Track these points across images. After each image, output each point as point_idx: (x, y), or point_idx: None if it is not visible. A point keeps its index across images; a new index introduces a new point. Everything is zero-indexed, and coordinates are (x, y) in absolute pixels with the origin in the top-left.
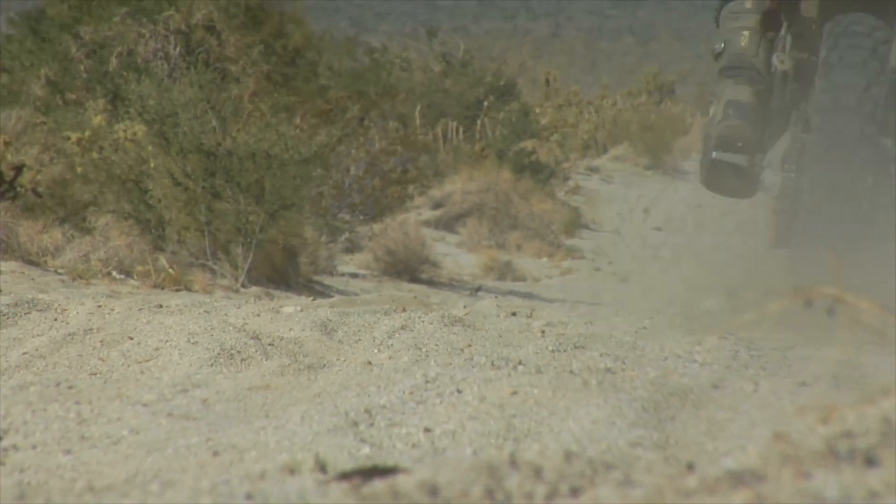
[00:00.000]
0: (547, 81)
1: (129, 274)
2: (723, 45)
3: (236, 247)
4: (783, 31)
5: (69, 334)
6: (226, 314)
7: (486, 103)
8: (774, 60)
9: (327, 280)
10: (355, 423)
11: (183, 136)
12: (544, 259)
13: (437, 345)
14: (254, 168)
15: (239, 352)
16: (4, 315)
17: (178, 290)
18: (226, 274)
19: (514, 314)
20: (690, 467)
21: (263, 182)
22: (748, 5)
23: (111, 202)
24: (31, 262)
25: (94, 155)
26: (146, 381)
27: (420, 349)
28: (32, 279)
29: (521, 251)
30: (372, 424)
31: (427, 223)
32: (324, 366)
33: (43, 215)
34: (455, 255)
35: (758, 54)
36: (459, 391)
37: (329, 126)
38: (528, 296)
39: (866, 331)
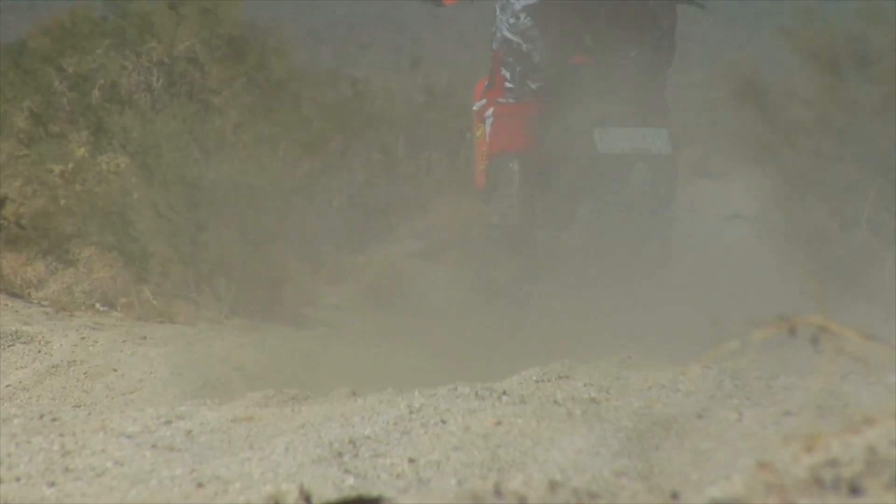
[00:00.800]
0: None
1: (112, 306)
2: None
3: (220, 279)
4: None
5: (53, 366)
6: (209, 346)
7: (468, 134)
8: None
9: (311, 312)
10: (339, 454)
11: (166, 167)
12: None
13: (421, 375)
14: (237, 200)
15: (223, 383)
16: None
17: (161, 323)
18: (209, 306)
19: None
20: (675, 496)
21: (247, 214)
22: None
23: (94, 234)
24: (14, 295)
25: (78, 187)
26: (130, 412)
27: (404, 380)
28: (16, 311)
29: None
30: (356, 455)
31: (411, 255)
32: (308, 397)
33: (26, 248)
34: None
35: None
36: (444, 421)
37: (312, 158)
38: None
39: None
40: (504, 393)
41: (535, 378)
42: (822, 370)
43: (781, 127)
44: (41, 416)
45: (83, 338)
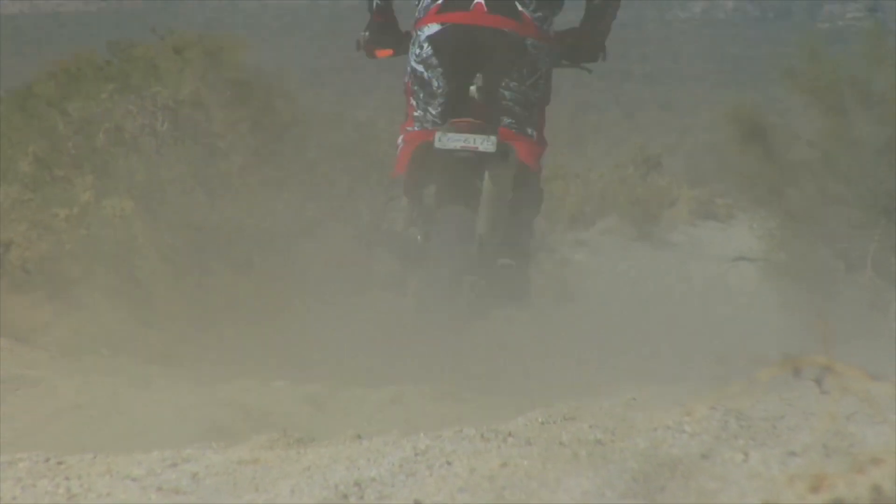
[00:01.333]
0: None
1: (118, 349)
2: None
3: (225, 322)
4: None
5: (58, 410)
6: (215, 389)
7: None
8: None
9: (318, 353)
10: (345, 496)
11: (171, 211)
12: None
13: (426, 418)
14: (243, 243)
15: (228, 426)
16: None
17: (167, 366)
18: (215, 349)
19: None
20: None
21: (252, 257)
22: None
23: (100, 278)
24: (19, 339)
25: (83, 231)
26: (136, 456)
27: (410, 423)
28: (21, 355)
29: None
30: (362, 497)
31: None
32: (313, 440)
33: (32, 292)
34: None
35: None
36: (449, 463)
37: (317, 200)
38: None
39: (856, 399)
40: (510, 434)
41: (540, 419)
42: (827, 410)
43: (786, 168)
44: (47, 460)
45: (88, 381)
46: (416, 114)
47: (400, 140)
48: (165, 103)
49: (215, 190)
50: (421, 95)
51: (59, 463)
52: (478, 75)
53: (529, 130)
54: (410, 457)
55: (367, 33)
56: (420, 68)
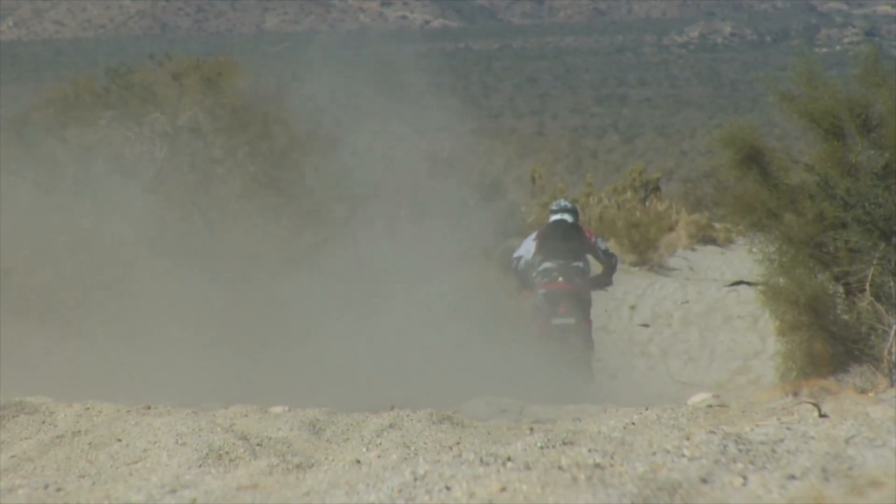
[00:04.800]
0: (533, 179)
1: (117, 375)
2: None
3: (224, 347)
4: None
5: (57, 437)
6: (213, 415)
7: (472, 202)
8: None
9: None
10: None
11: (170, 238)
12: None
13: (425, 443)
14: (241, 269)
15: (227, 452)
16: None
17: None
18: (213, 374)
19: (503, 411)
20: None
21: (250, 283)
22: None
23: (99, 305)
24: (19, 365)
25: (82, 258)
26: (135, 482)
27: (409, 447)
28: (21, 382)
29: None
30: None
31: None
32: (312, 465)
33: (31, 318)
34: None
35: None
36: (448, 488)
37: (315, 226)
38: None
39: (855, 423)
40: (509, 459)
41: (539, 444)
42: (826, 434)
43: (785, 192)
44: (46, 487)
45: (87, 408)
46: (540, 317)
47: (535, 327)
48: (164, 130)
49: (213, 216)
50: (542, 311)
51: (59, 489)
52: (562, 304)
53: (588, 314)
54: (409, 482)
55: (518, 284)
56: (541, 304)
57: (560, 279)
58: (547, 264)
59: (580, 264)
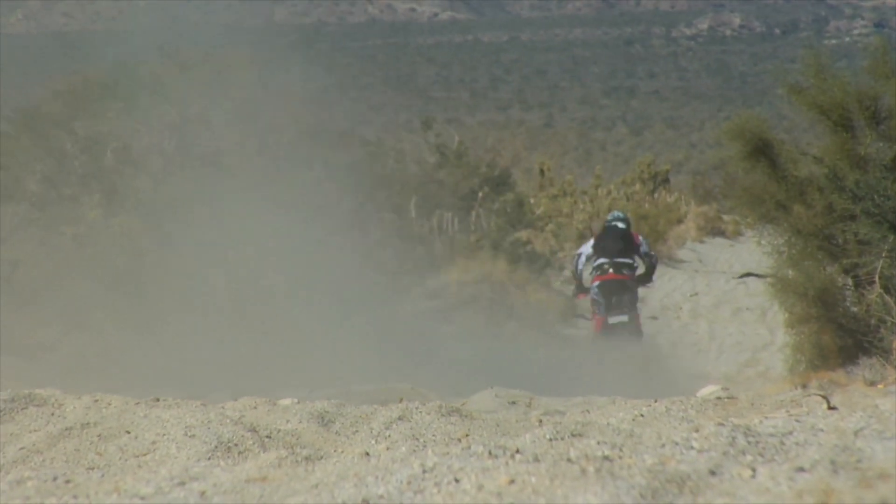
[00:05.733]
0: (541, 171)
1: (126, 367)
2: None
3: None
4: None
5: (66, 429)
6: (223, 407)
7: (480, 194)
8: None
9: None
10: None
11: (179, 229)
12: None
13: (434, 435)
14: (250, 260)
15: (236, 444)
16: (1, 410)
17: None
18: (222, 366)
19: (512, 403)
20: None
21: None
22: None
23: (107, 297)
24: (27, 357)
25: (90, 250)
26: (143, 474)
27: (417, 439)
28: (30, 374)
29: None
30: None
31: (423, 314)
32: (321, 457)
33: (40, 310)
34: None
35: None
36: (457, 480)
37: (324, 218)
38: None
39: (864, 415)
40: (517, 451)
41: (548, 436)
42: (835, 426)
43: (794, 184)
44: (55, 479)
45: (96, 400)
46: (597, 313)
47: (593, 322)
48: (172, 122)
49: (222, 208)
50: (598, 306)
51: (67, 482)
52: (614, 296)
53: (636, 307)
54: (418, 474)
55: (575, 289)
56: (596, 296)
57: (610, 270)
58: (601, 260)
59: (629, 261)
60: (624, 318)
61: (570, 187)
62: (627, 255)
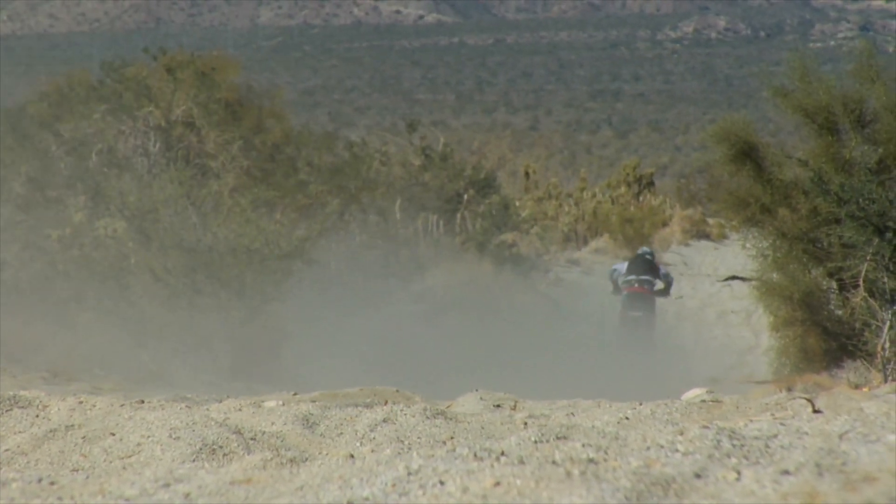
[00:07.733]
0: (526, 174)
1: (110, 370)
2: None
3: (218, 341)
4: None
5: (51, 431)
6: (207, 409)
7: (466, 196)
8: None
9: (310, 374)
10: None
11: (163, 231)
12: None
13: (419, 437)
14: (234, 263)
15: (221, 446)
16: None
17: (159, 386)
18: (207, 369)
19: (497, 406)
20: None
21: (244, 277)
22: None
23: (92, 299)
24: (12, 359)
25: (75, 252)
26: (128, 476)
27: (402, 442)
28: (14, 375)
29: None
30: None
31: (408, 316)
32: (306, 459)
33: (24, 312)
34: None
35: None
36: (442, 483)
37: (309, 220)
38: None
39: (849, 418)
40: (502, 453)
41: (533, 439)
42: (820, 429)
43: (778, 187)
44: (39, 480)
45: (81, 402)
46: (623, 311)
47: (619, 316)
48: (158, 123)
49: (207, 210)
50: (624, 306)
51: (52, 483)
52: (636, 301)
53: (653, 310)
54: (403, 476)
55: (613, 290)
56: (624, 300)
57: (636, 285)
58: (631, 276)
59: (651, 279)
60: (640, 313)
61: (555, 190)
62: (650, 275)
